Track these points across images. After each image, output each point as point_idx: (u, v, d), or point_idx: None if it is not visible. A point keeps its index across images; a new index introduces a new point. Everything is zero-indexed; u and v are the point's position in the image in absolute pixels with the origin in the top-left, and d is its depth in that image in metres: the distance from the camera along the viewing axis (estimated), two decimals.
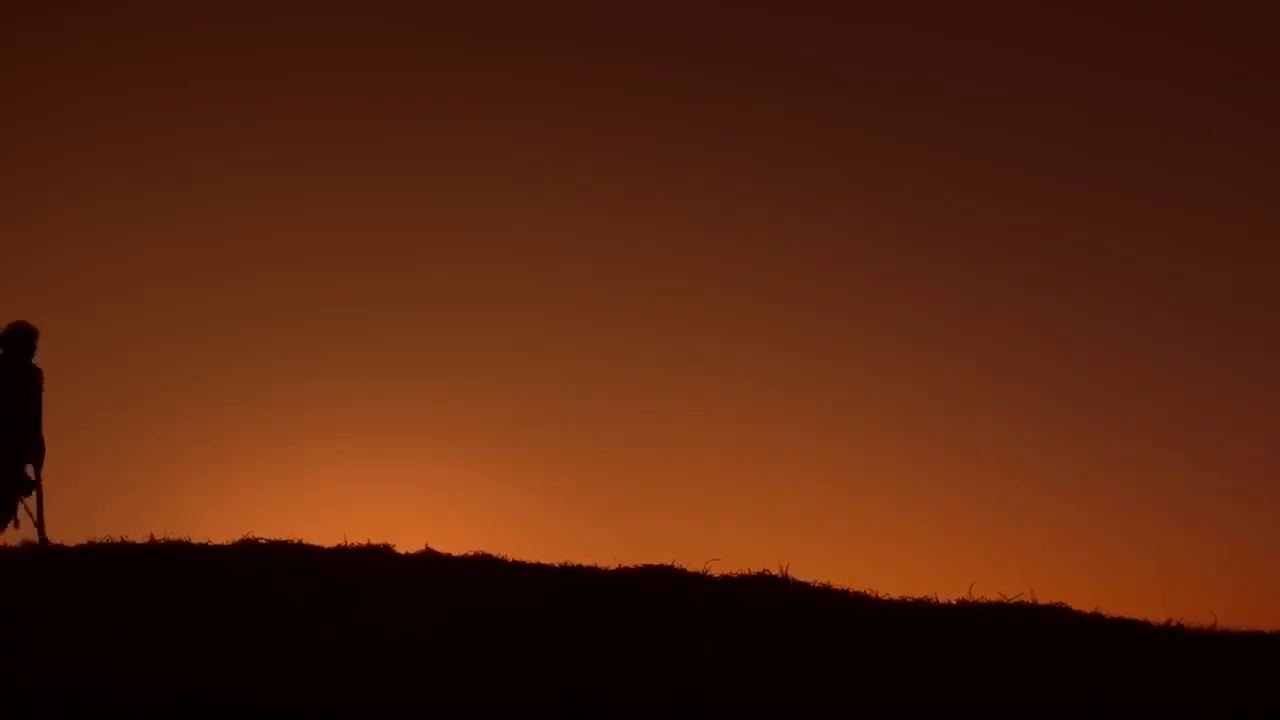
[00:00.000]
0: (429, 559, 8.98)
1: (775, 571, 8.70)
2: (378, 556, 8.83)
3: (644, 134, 16.79)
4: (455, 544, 9.45)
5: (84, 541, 9.02)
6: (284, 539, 9.07)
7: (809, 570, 8.76)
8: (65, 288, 16.30)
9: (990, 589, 8.47)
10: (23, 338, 9.48)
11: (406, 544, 9.29)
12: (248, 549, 8.79)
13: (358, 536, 9.25)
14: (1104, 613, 8.27)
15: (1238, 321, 16.58)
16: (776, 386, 16.16)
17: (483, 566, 8.76)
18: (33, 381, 9.50)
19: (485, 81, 16.65)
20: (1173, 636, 8.00)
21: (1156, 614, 8.36)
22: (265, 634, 6.62)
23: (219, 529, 9.62)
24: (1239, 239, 16.72)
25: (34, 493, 9.48)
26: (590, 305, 16.22)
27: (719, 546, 8.90)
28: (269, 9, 16.41)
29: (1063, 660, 7.08)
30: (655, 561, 8.91)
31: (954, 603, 8.37)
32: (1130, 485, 15.77)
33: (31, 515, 9.42)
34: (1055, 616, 8.08)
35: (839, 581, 8.63)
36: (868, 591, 8.54)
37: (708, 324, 16.45)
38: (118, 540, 9.09)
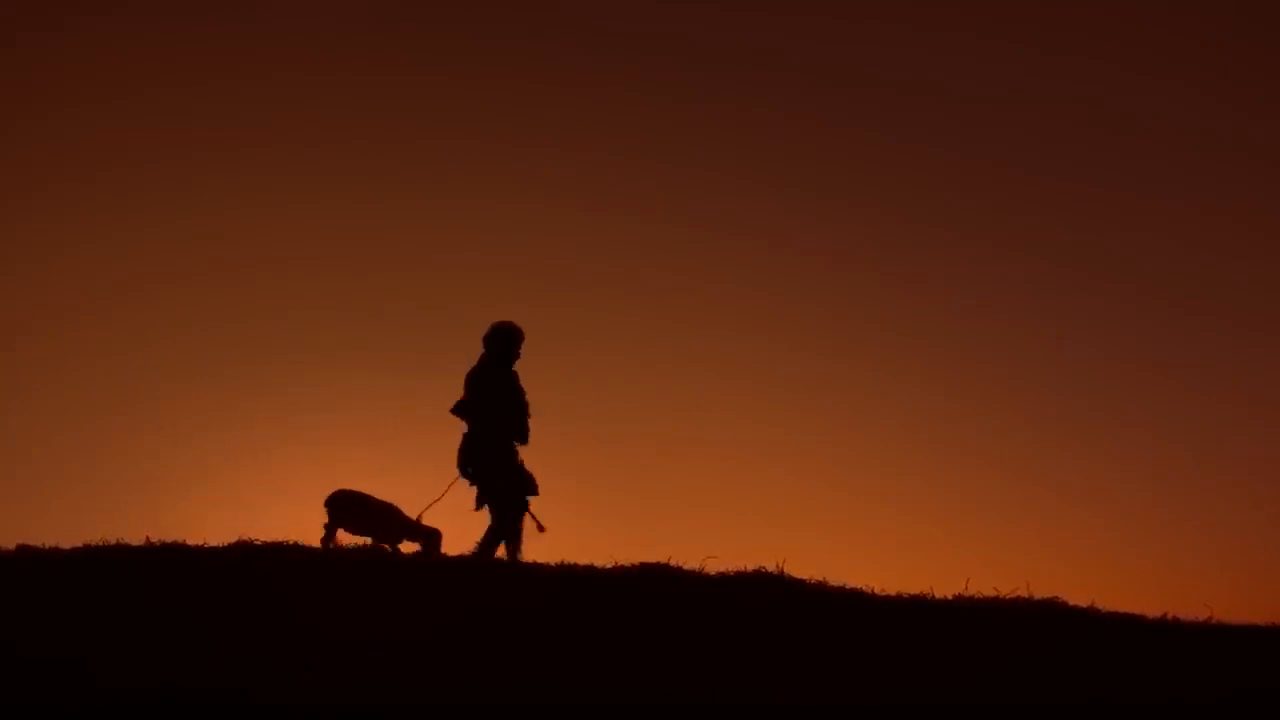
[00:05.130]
0: (425, 557, 8.99)
1: (771, 568, 8.71)
2: (374, 556, 8.84)
3: (644, 134, 16.80)
4: (452, 542, 9.47)
5: (80, 544, 9.03)
6: (280, 540, 9.09)
7: (805, 567, 8.78)
8: (60, 289, 16.29)
9: (986, 584, 8.49)
10: (501, 338, 9.04)
11: (402, 543, 9.31)
12: (244, 550, 8.80)
13: (353, 536, 9.27)
14: (1100, 607, 8.29)
15: (1233, 314, 16.62)
16: (773, 384, 16.17)
17: (479, 565, 8.77)
18: (509, 380, 9.01)
19: (486, 81, 16.66)
20: (1168, 630, 8.01)
21: (1152, 608, 8.39)
22: (262, 635, 6.62)
23: (215, 530, 9.64)
24: (1233, 235, 16.75)
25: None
26: (585, 304, 16.23)
27: (715, 544, 8.92)
28: (269, 9, 16.42)
29: (1059, 655, 7.08)
30: (652, 559, 8.93)
31: (950, 598, 8.38)
32: (1126, 480, 15.80)
33: (535, 521, 9.03)
34: (1051, 611, 8.09)
35: (835, 578, 8.65)
36: (864, 587, 8.55)
37: (703, 322, 16.47)
38: (114, 542, 9.09)
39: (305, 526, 9.55)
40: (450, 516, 9.25)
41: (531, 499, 9.06)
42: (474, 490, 9.05)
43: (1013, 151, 16.99)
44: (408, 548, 9.28)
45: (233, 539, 9.10)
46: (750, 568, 8.74)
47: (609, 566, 8.80)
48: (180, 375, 15.55)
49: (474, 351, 9.32)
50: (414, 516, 9.18)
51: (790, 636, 7.08)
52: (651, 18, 16.69)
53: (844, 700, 5.88)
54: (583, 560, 9.02)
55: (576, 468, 14.05)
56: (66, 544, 9.16)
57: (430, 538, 9.10)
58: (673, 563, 8.89)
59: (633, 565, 8.80)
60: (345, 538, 9.30)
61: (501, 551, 9.00)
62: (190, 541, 9.27)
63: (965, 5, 16.70)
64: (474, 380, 9.08)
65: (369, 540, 9.21)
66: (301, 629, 6.74)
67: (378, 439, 14.38)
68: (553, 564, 9.06)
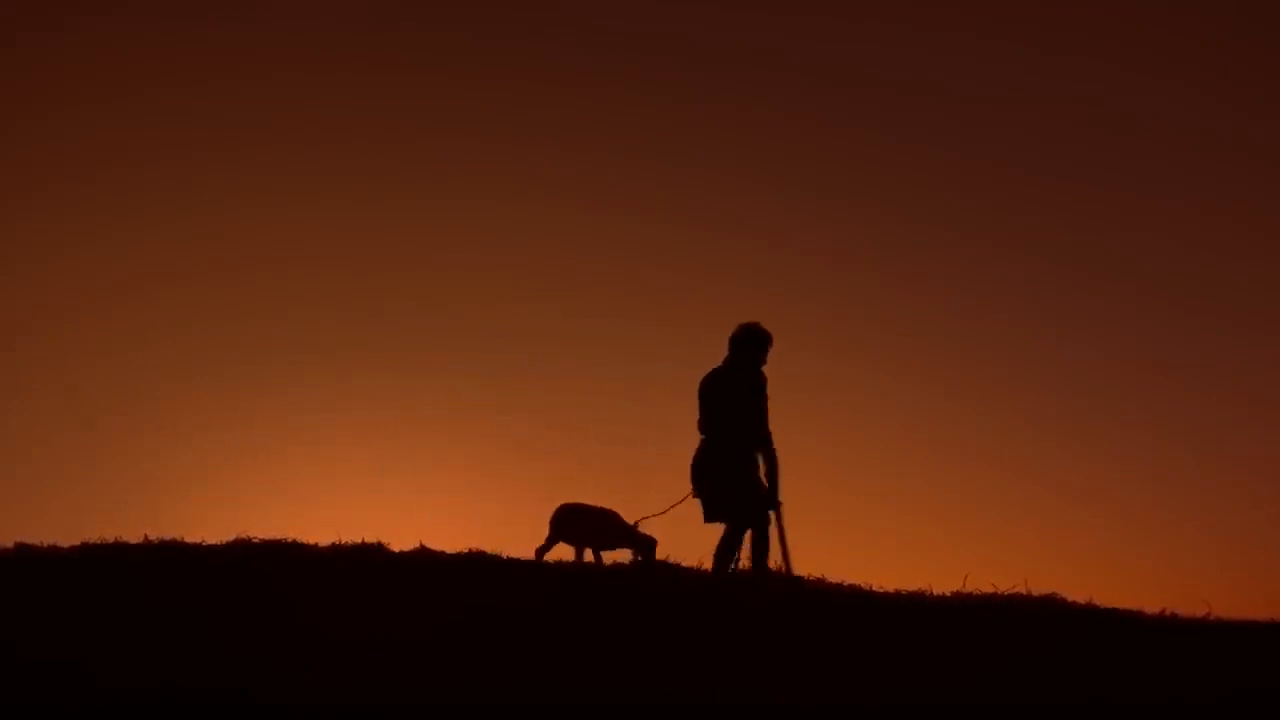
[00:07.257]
0: (423, 557, 8.99)
1: (770, 565, 8.72)
2: (372, 555, 8.84)
3: (644, 134, 16.77)
4: (449, 542, 9.46)
5: (79, 542, 9.03)
6: (278, 538, 9.09)
7: (803, 564, 8.80)
8: (60, 289, 16.28)
9: (984, 581, 8.51)
10: (751, 340, 8.87)
11: (400, 542, 9.31)
12: (242, 549, 8.81)
13: (351, 535, 9.26)
14: (1098, 603, 8.30)
15: (1233, 314, 16.61)
16: (772, 384, 16.14)
17: (478, 564, 8.77)
18: (755, 385, 8.82)
19: (486, 81, 16.64)
20: (1167, 626, 8.03)
21: (1151, 604, 8.40)
22: (261, 633, 6.62)
23: (213, 529, 9.63)
24: (1233, 235, 16.76)
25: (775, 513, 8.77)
26: (585, 304, 16.23)
27: (714, 543, 8.92)
28: (269, 9, 16.39)
29: (1057, 652, 7.09)
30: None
31: (948, 595, 8.39)
32: (1124, 477, 15.80)
33: (782, 542, 8.76)
34: (1049, 607, 8.10)
35: (834, 574, 8.67)
36: (863, 584, 8.57)
37: (703, 322, 16.46)
38: (112, 540, 9.10)
39: (305, 526, 9.56)
40: (665, 524, 9.16)
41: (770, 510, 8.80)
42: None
43: (1013, 151, 16.97)
44: (612, 555, 9.24)
45: (230, 537, 9.13)
46: (749, 565, 8.75)
47: (609, 566, 8.81)
48: (180, 375, 15.53)
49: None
50: (632, 522, 9.13)
51: (790, 633, 7.09)
52: (651, 18, 16.67)
53: (844, 700, 5.89)
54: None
55: (576, 467, 14.07)
56: (65, 543, 9.18)
57: (646, 545, 9.05)
58: (671, 560, 8.91)
59: (632, 564, 8.82)
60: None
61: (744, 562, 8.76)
62: (188, 539, 9.28)
63: (965, 5, 16.68)
64: (717, 386, 8.85)
65: (589, 550, 9.21)
66: (301, 629, 6.74)
67: (378, 439, 14.40)
68: (551, 561, 9.09)
